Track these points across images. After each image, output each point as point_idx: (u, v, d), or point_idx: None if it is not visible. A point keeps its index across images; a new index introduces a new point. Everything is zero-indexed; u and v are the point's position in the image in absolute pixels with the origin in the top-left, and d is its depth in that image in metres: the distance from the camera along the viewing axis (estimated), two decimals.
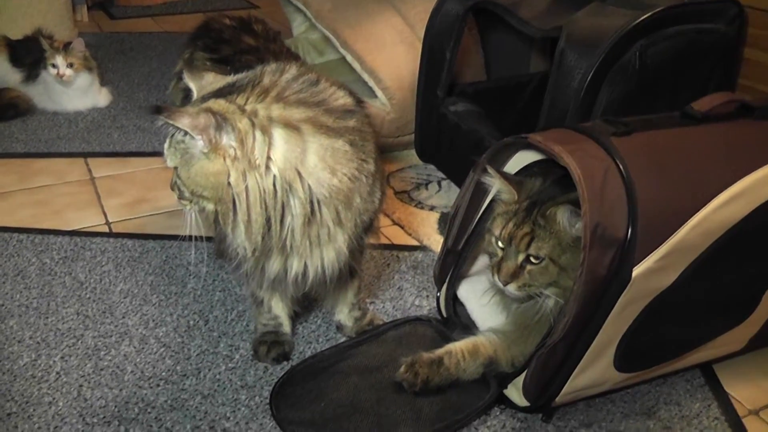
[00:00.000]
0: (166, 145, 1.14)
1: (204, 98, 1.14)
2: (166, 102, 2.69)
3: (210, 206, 1.14)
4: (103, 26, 3.78)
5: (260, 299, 1.39)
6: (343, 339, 1.48)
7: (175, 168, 1.15)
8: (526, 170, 1.33)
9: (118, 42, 3.47)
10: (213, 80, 1.20)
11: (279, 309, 1.41)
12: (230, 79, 1.18)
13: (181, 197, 1.16)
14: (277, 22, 3.82)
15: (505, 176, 1.28)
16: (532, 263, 1.23)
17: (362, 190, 1.20)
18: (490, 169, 1.28)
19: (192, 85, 1.22)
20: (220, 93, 1.14)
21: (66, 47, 2.58)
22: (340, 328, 1.50)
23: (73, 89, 2.61)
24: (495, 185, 1.30)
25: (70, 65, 2.56)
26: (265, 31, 1.63)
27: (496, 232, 1.28)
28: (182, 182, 1.14)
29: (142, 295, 1.61)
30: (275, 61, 1.23)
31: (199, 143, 1.08)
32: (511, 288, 1.25)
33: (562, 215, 1.19)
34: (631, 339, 1.19)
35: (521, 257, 1.24)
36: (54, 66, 2.55)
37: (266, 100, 1.12)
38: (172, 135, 1.11)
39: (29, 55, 2.64)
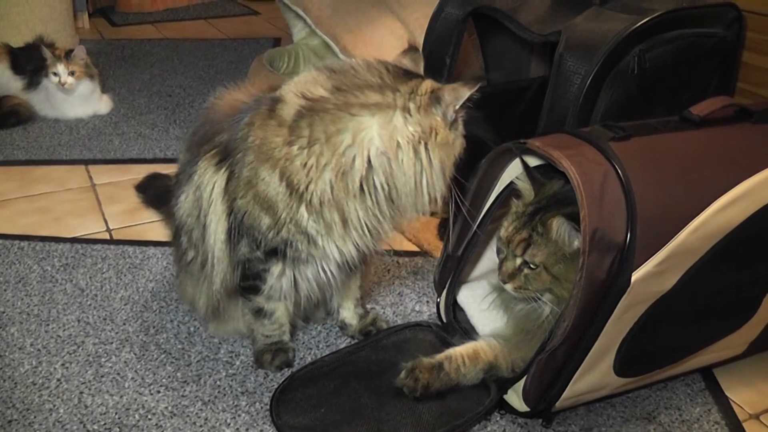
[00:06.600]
0: None
1: None
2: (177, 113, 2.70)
3: None
4: (104, 33, 3.80)
5: (267, 311, 1.37)
6: (344, 345, 1.48)
7: None
8: None
9: (119, 49, 3.48)
10: None
11: (284, 317, 1.41)
12: None
13: None
14: (278, 28, 3.84)
15: (531, 175, 1.26)
16: (530, 268, 1.24)
17: None
18: (521, 165, 1.27)
19: None
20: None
21: (67, 55, 2.59)
22: (343, 327, 1.50)
23: (75, 97, 2.62)
24: (519, 184, 1.30)
25: (72, 73, 2.57)
26: None
27: (500, 232, 1.29)
28: None
29: (143, 301, 1.61)
30: None
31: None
32: (509, 288, 1.27)
33: (558, 227, 1.19)
34: (630, 343, 1.19)
35: (518, 261, 1.25)
36: (56, 74, 2.56)
37: None
38: None
39: (31, 62, 2.65)
